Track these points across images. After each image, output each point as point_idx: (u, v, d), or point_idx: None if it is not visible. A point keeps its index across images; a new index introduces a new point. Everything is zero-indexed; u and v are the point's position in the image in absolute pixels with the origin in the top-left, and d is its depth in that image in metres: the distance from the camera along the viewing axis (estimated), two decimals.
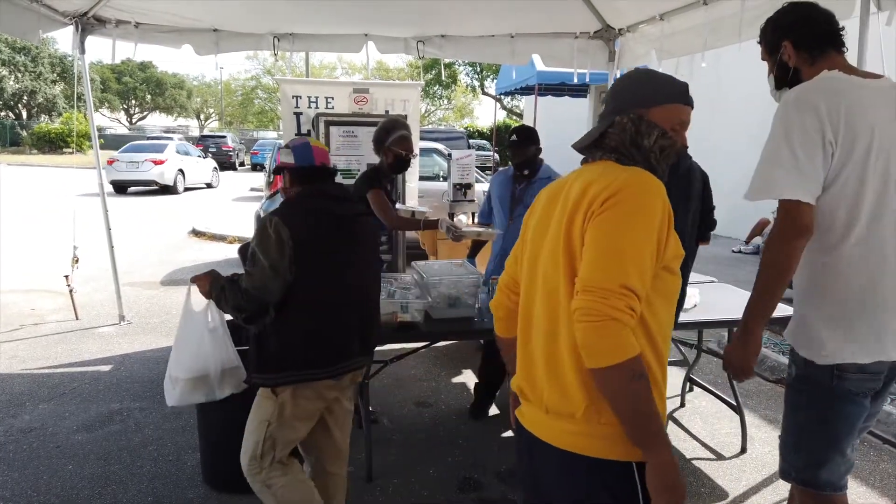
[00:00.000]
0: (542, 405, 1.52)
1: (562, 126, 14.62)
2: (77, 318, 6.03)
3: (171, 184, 19.22)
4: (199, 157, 22.12)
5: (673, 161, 1.61)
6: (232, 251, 9.53)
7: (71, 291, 6.01)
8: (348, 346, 2.47)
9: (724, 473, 3.49)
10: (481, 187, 7.26)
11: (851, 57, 3.39)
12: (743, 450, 3.73)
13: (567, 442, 1.47)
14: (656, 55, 5.04)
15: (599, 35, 5.62)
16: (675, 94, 1.57)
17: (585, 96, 15.35)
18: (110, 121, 53.37)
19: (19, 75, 40.07)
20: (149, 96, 54.48)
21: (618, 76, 5.70)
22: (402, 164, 3.80)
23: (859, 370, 1.94)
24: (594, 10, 5.23)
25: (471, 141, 21.22)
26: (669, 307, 1.50)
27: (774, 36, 2.11)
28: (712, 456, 3.69)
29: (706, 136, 9.21)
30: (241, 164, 32.43)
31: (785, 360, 4.79)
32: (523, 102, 25.09)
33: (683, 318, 3.28)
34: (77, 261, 5.99)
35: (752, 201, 1.96)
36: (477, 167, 7.11)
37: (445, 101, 37.32)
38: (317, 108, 5.91)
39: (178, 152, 20.16)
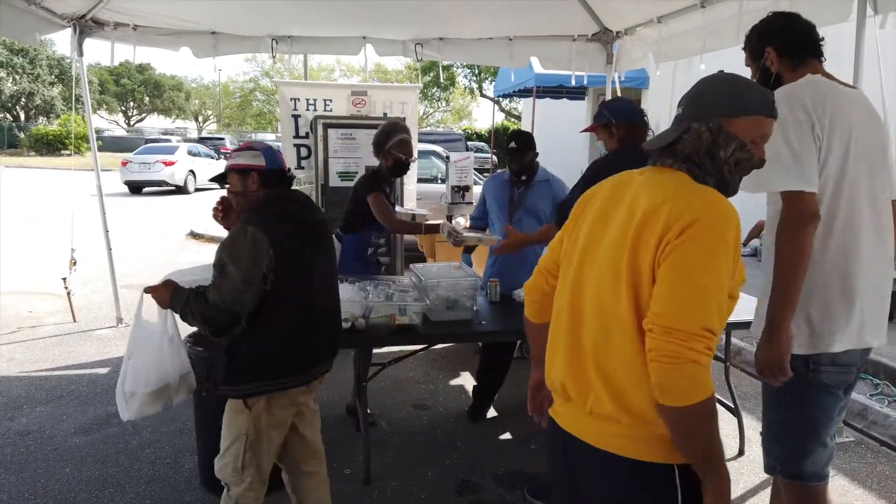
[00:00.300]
0: (585, 406, 1.51)
1: (560, 128, 14.64)
2: (75, 321, 6.02)
3: (182, 184, 19.79)
4: (213, 158, 22.53)
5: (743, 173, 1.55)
6: None
7: (69, 294, 6.01)
8: (320, 350, 2.48)
9: None
10: (480, 189, 7.25)
11: (848, 59, 3.41)
12: (741, 452, 3.73)
13: (608, 443, 1.47)
14: (654, 58, 5.05)
15: (597, 38, 5.64)
16: (761, 105, 1.50)
17: (583, 99, 15.36)
18: (108, 123, 53.37)
19: (17, 77, 40.04)
20: (147, 98, 54.46)
21: (616, 79, 5.71)
22: (402, 167, 3.81)
23: (832, 362, 2.04)
24: (592, 12, 5.24)
25: (469, 143, 21.24)
26: (722, 329, 1.50)
27: (759, 43, 2.23)
28: None
29: None
30: None
31: None
32: (521, 105, 25.09)
33: None
34: (75, 263, 5.98)
35: (753, 193, 2.01)
36: (475, 169, 7.12)
37: (444, 104, 37.32)
38: (315, 110, 5.91)
39: (189, 154, 20.87)
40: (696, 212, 1.37)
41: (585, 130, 3.23)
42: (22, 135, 37.66)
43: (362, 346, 3.50)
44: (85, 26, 5.10)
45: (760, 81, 2.24)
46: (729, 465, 3.64)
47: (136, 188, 19.72)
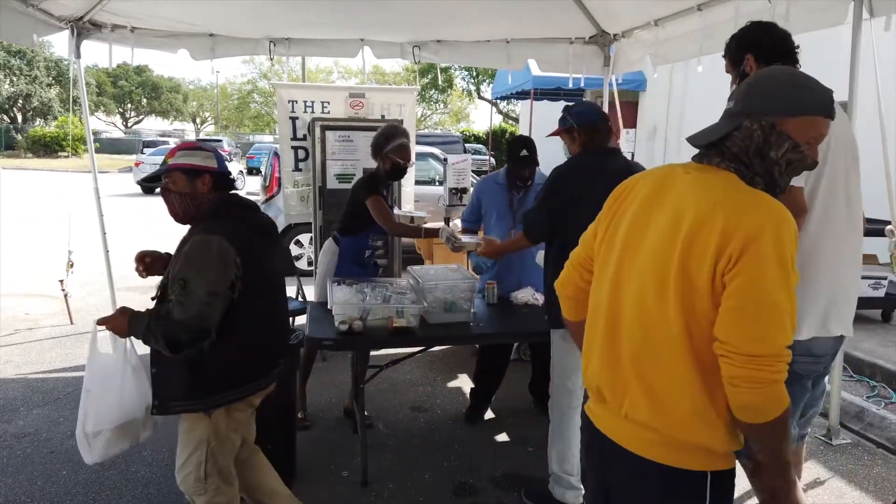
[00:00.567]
0: (620, 410, 1.50)
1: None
2: (72, 323, 6.01)
3: None
4: (226, 160, 22.39)
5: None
6: None
7: (65, 296, 5.99)
8: (279, 352, 2.48)
9: None
10: None
11: (845, 61, 3.43)
12: None
13: (643, 448, 1.47)
14: (651, 60, 5.06)
15: (594, 40, 5.65)
16: (818, 104, 1.42)
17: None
18: (106, 125, 53.26)
19: (14, 79, 39.97)
20: (144, 100, 54.41)
21: (613, 81, 5.73)
22: (399, 172, 3.81)
23: (807, 352, 2.14)
24: (589, 15, 5.25)
25: (467, 145, 21.25)
26: None
27: (738, 51, 2.39)
28: None
29: None
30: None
31: None
32: (519, 107, 25.13)
33: None
34: (72, 265, 5.96)
35: None
36: (473, 171, 7.12)
37: (441, 106, 37.34)
38: (312, 112, 5.91)
39: None
40: (757, 222, 1.32)
41: (551, 135, 3.22)
42: (19, 137, 37.61)
43: (360, 349, 3.50)
44: (82, 28, 5.10)
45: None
46: None
47: (148, 188, 20.18)
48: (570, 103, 3.20)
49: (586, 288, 1.69)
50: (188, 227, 2.34)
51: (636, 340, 1.47)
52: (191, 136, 46.94)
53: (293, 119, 5.93)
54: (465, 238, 3.61)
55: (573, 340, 2.99)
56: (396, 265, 5.46)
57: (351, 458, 3.57)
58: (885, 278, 5.55)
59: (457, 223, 5.39)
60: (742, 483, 3.40)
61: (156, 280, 2.44)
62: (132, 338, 2.28)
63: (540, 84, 12.18)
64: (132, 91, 52.54)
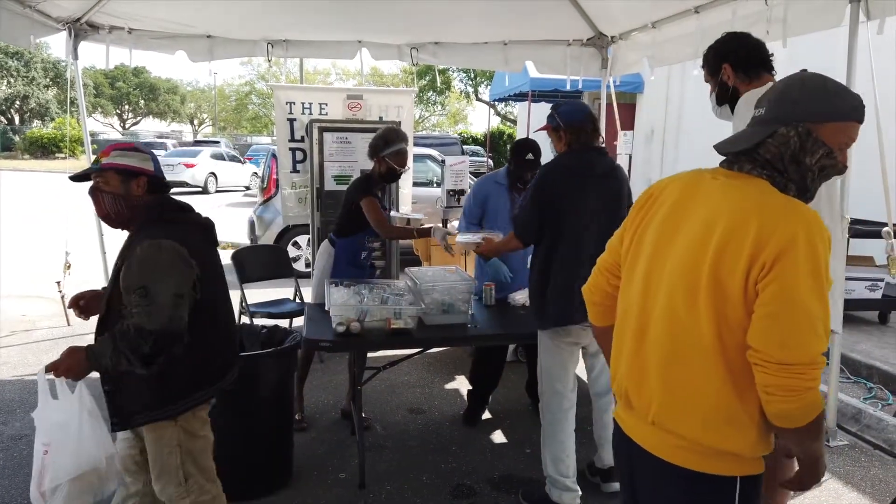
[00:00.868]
0: (647, 416, 1.51)
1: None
2: (69, 325, 5.99)
3: (202, 185, 21.66)
4: (238, 162, 23.73)
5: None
6: (224, 257, 9.49)
7: (62, 297, 5.98)
8: (235, 349, 2.47)
9: None
10: None
11: (842, 63, 3.43)
12: None
13: (670, 454, 1.48)
14: (648, 63, 5.07)
15: (592, 42, 5.66)
16: (851, 110, 1.43)
17: None
18: (103, 126, 53.12)
19: (12, 80, 39.91)
20: (142, 101, 54.32)
21: (611, 83, 5.74)
22: (394, 176, 3.82)
23: None
24: (587, 17, 5.26)
25: (465, 147, 21.27)
26: None
27: (715, 60, 2.50)
28: None
29: (706, 142, 9.24)
30: None
31: None
32: (517, 109, 25.15)
33: None
34: (69, 266, 5.96)
35: None
36: (471, 173, 7.13)
37: (439, 107, 37.33)
38: (310, 114, 5.91)
39: (212, 157, 22.65)
40: (790, 229, 1.32)
41: (539, 130, 3.22)
42: (17, 138, 37.54)
43: (357, 350, 3.50)
44: (80, 30, 5.09)
45: (718, 95, 2.50)
46: None
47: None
48: (554, 104, 3.19)
49: (613, 294, 1.70)
50: (121, 231, 2.28)
51: (665, 347, 1.48)
52: (188, 138, 46.87)
53: (291, 121, 5.93)
54: (464, 237, 3.59)
55: (560, 343, 2.99)
56: (394, 267, 5.46)
57: (348, 459, 3.57)
58: (881, 280, 5.57)
59: (454, 224, 5.40)
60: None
61: None
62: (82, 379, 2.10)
63: (537, 86, 12.20)
64: (130, 92, 52.44)
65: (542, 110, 15.63)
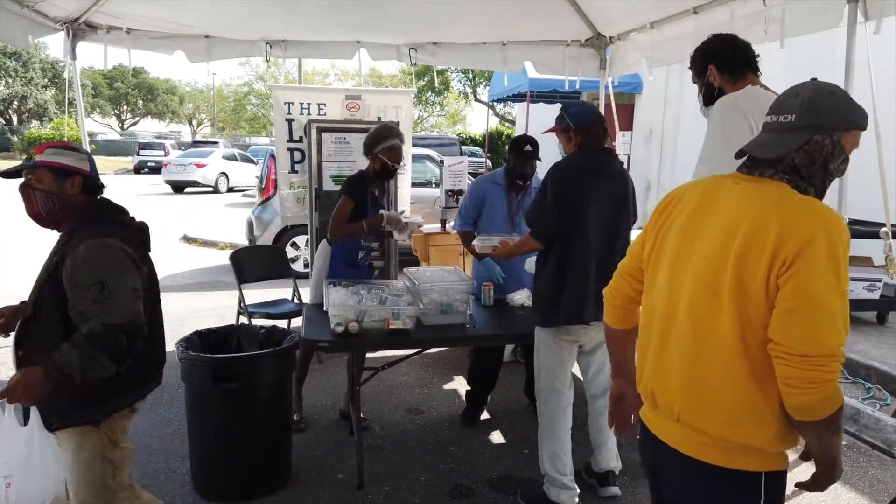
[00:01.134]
0: (672, 414, 1.55)
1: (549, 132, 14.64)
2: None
3: (213, 185, 22.23)
4: (251, 163, 23.96)
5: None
6: (223, 257, 9.49)
7: None
8: (164, 351, 2.40)
9: None
10: None
11: (839, 64, 3.44)
12: None
13: (696, 451, 1.52)
14: (647, 63, 5.07)
15: (590, 43, 5.65)
16: (863, 119, 1.53)
17: None
18: (101, 126, 53.11)
19: (10, 80, 39.86)
20: (140, 102, 54.31)
21: (609, 83, 5.73)
22: (388, 173, 3.80)
23: None
24: (585, 18, 5.26)
25: (463, 147, 21.27)
26: None
27: (701, 62, 2.54)
28: None
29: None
30: None
31: None
32: (515, 109, 25.16)
33: None
34: None
35: None
36: (469, 174, 7.13)
37: (438, 108, 37.33)
38: (309, 114, 5.91)
39: (223, 157, 23.29)
40: (810, 227, 1.37)
41: (547, 132, 3.23)
42: (15, 138, 37.48)
43: (356, 350, 3.50)
44: (78, 30, 5.08)
45: (705, 95, 2.54)
46: None
47: (177, 187, 22.36)
48: (563, 104, 3.20)
49: (635, 298, 1.76)
50: (50, 230, 2.23)
51: (688, 346, 1.52)
52: (187, 138, 46.83)
53: (289, 121, 5.93)
54: (482, 240, 3.57)
55: (560, 340, 3.01)
56: (393, 267, 5.46)
57: (347, 460, 3.56)
58: (879, 280, 5.58)
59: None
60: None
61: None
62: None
63: (536, 86, 12.20)
64: (128, 93, 52.42)
65: (541, 111, 15.72)
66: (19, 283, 7.58)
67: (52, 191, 2.15)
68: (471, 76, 29.98)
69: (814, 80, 1.59)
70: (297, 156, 6.00)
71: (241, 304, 4.77)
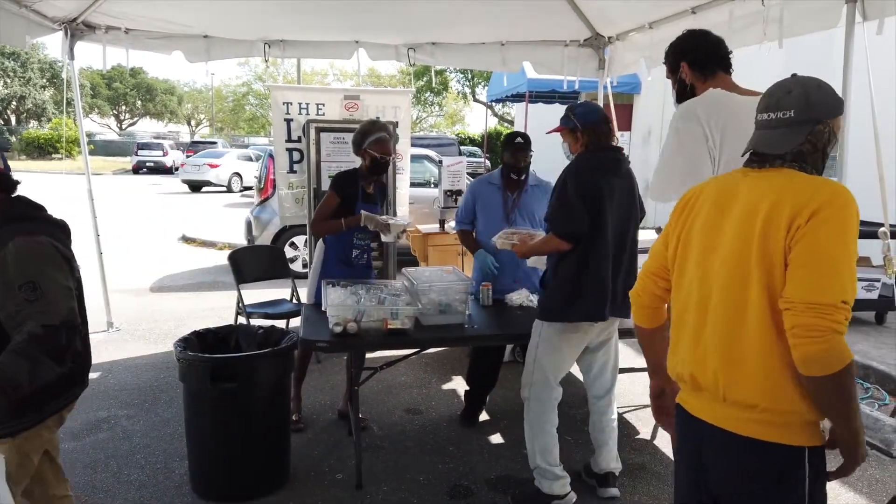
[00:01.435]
0: (718, 394, 1.61)
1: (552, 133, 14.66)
2: None
3: (226, 184, 22.78)
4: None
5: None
6: (221, 257, 9.49)
7: None
8: (90, 356, 2.26)
9: None
10: None
11: (838, 64, 3.44)
12: None
13: (743, 427, 1.58)
14: (645, 63, 5.07)
15: (589, 43, 5.66)
16: (843, 105, 1.68)
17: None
18: (100, 126, 53.07)
19: (8, 80, 39.86)
20: (139, 102, 54.28)
21: (608, 84, 5.74)
22: (379, 166, 3.79)
23: None
24: (584, 18, 5.26)
25: (462, 148, 21.28)
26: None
27: (674, 58, 2.54)
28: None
29: None
30: None
31: None
32: (514, 109, 25.19)
33: None
34: None
35: (655, 202, 2.27)
36: (468, 174, 7.13)
37: (437, 108, 37.35)
38: (307, 114, 5.90)
39: (237, 158, 23.88)
40: (825, 198, 1.48)
41: (552, 132, 3.24)
42: (13, 138, 37.49)
43: (354, 351, 3.49)
44: (76, 30, 5.08)
45: (678, 92, 2.55)
46: None
47: (194, 187, 23.07)
48: (568, 104, 3.20)
49: (662, 296, 1.85)
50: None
51: (725, 324, 1.60)
52: (185, 139, 46.82)
53: (288, 121, 5.92)
54: (501, 236, 3.56)
55: (569, 337, 3.01)
56: (391, 267, 5.46)
57: (345, 460, 3.56)
58: (878, 280, 5.59)
59: (451, 225, 5.40)
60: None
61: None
62: None
63: (535, 87, 12.22)
64: (126, 93, 52.39)
65: (540, 111, 15.71)
66: None
67: None
68: (469, 76, 30.00)
69: (794, 75, 1.69)
70: (296, 156, 5.99)
71: (240, 304, 4.77)
